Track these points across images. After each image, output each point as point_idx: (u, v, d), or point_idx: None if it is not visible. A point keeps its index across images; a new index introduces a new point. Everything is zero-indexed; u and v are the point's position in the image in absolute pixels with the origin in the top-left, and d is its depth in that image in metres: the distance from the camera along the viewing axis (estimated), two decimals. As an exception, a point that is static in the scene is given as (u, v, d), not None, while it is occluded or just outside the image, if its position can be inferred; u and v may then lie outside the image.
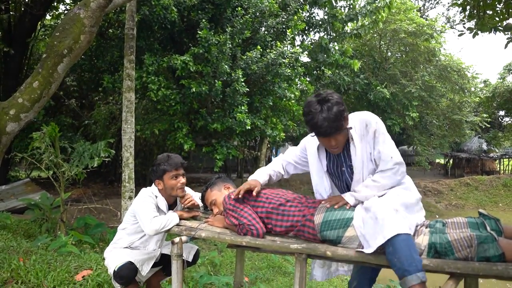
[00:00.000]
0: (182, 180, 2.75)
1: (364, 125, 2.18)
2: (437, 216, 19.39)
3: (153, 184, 2.80)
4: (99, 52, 10.13)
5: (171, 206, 2.83)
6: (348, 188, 2.31)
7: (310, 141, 2.40)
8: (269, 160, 20.76)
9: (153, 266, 2.76)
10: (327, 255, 1.97)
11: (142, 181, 13.23)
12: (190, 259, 2.89)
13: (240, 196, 2.30)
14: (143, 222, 2.55)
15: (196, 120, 8.61)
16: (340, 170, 2.30)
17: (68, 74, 12.91)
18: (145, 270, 2.66)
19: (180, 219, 2.63)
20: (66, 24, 3.02)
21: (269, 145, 15.55)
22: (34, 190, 8.85)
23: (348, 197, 2.20)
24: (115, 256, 2.69)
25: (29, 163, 6.63)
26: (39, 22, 11.36)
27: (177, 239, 2.36)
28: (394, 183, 2.20)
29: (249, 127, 8.35)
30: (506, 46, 4.99)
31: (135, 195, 2.97)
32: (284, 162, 2.63)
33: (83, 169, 5.78)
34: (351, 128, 2.18)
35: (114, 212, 8.89)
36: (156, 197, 2.73)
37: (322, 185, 2.40)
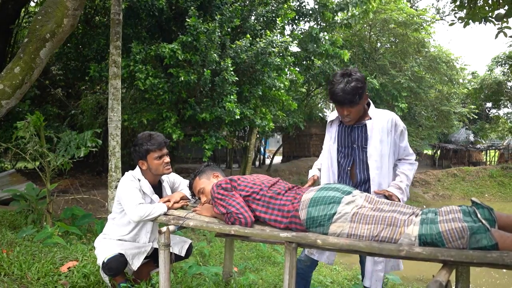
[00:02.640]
0: (167, 159, 2.68)
1: (393, 123, 2.50)
2: (424, 207, 19.62)
3: (136, 167, 2.72)
4: (85, 40, 9.92)
5: (156, 188, 2.76)
6: (353, 165, 2.54)
7: (329, 117, 2.68)
8: (258, 151, 20.75)
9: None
10: (318, 244, 1.93)
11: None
12: (183, 254, 2.83)
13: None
14: (127, 208, 2.48)
15: (184, 109, 8.51)
16: (351, 146, 2.53)
17: (54, 63, 12.66)
18: (135, 265, 2.60)
19: (168, 209, 2.57)
20: (48, 7, 2.90)
21: (258, 135, 15.49)
22: (19, 181, 8.69)
23: (399, 194, 2.40)
24: (105, 247, 2.62)
25: (14, 153, 6.48)
26: (23, 9, 11.07)
27: (164, 229, 2.30)
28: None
29: (238, 117, 8.28)
30: (496, 36, 4.98)
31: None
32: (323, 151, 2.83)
33: (69, 159, 5.67)
34: (370, 118, 2.48)
35: (101, 203, 8.79)
36: (139, 180, 2.65)
37: (328, 156, 2.62)
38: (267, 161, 21.19)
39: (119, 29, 4.88)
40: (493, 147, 28.03)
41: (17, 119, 8.61)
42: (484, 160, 28.01)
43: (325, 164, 2.66)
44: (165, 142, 2.68)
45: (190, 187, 2.61)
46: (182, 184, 2.92)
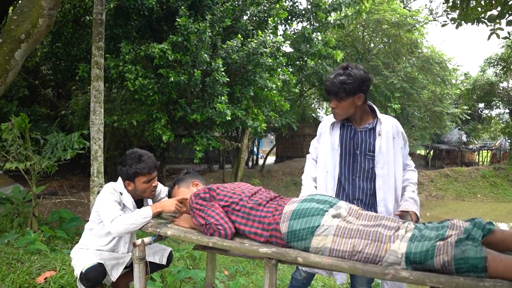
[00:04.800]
0: (155, 183, 2.54)
1: (398, 129, 2.46)
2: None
3: (119, 178, 2.59)
4: (74, 39, 9.77)
5: (138, 202, 2.64)
6: (355, 173, 2.40)
7: (325, 120, 2.57)
8: (251, 151, 20.65)
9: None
10: (298, 262, 1.82)
11: (121, 173, 12.90)
12: (164, 262, 2.73)
13: None
14: (106, 223, 2.35)
15: (175, 110, 8.39)
16: (354, 152, 2.40)
17: (43, 63, 12.47)
18: (114, 276, 2.48)
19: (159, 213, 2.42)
20: (24, 6, 2.78)
21: (251, 136, 15.39)
22: (6, 183, 8.56)
23: (414, 208, 2.33)
24: (83, 257, 2.50)
25: (1, 155, 6.35)
26: (10, 7, 10.87)
27: (138, 241, 2.18)
28: None
29: (230, 118, 8.17)
30: (489, 37, 4.92)
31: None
32: (312, 161, 2.68)
33: (56, 162, 5.54)
34: (377, 122, 2.41)
35: (90, 205, 8.64)
36: (121, 193, 2.52)
37: (331, 162, 2.44)
38: (260, 162, 21.10)
39: (101, 29, 4.75)
40: (486, 148, 28.18)
41: (5, 120, 8.47)
42: (477, 160, 28.17)
43: (322, 173, 2.49)
44: (155, 166, 2.52)
45: (169, 195, 2.49)
46: (162, 192, 2.80)
